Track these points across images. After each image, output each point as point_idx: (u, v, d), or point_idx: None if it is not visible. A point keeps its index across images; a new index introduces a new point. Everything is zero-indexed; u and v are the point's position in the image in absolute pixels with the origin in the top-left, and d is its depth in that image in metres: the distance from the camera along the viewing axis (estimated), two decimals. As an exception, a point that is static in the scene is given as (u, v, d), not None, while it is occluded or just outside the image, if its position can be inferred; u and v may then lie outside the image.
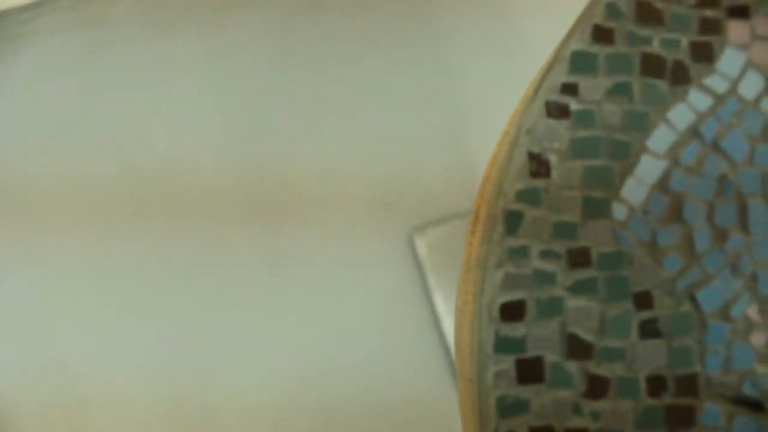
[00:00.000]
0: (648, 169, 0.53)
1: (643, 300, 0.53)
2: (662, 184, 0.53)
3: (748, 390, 0.54)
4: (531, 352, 0.52)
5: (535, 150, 0.53)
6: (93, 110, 0.57)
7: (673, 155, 0.54)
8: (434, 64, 0.55)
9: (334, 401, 0.53)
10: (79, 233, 0.56)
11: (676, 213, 0.53)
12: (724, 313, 0.54)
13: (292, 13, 0.58)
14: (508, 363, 0.52)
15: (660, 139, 0.54)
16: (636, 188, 0.53)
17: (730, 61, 0.55)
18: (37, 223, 0.56)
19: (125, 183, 0.56)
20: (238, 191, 0.55)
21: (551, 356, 0.52)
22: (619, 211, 0.53)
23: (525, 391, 0.52)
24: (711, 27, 0.55)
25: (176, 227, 0.56)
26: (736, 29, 0.55)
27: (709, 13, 0.55)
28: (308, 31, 0.57)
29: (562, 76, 0.53)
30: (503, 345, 0.52)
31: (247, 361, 0.54)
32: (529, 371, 0.52)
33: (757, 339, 0.54)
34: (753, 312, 0.54)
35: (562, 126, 0.53)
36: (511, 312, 0.52)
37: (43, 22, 0.58)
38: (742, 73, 0.55)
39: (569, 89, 0.53)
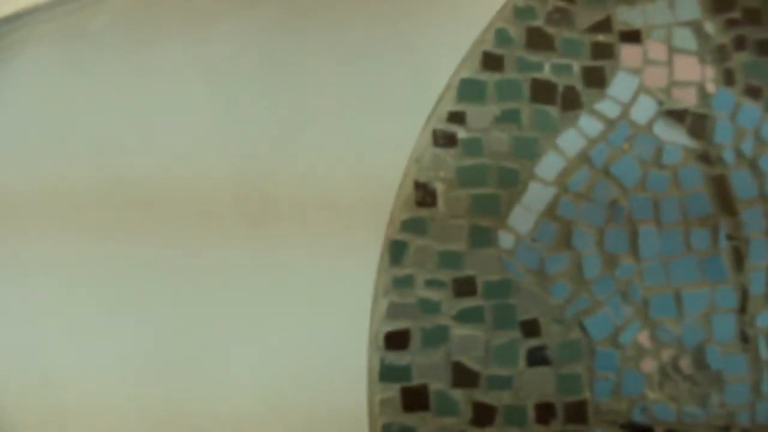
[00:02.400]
0: (536, 197, 0.53)
1: (531, 328, 0.53)
2: (551, 211, 0.54)
3: (638, 416, 0.54)
4: (416, 381, 0.53)
5: (422, 179, 0.53)
6: (74, 121, 0.59)
7: (561, 182, 0.54)
8: (410, 72, 0.56)
9: (318, 406, 0.55)
10: (60, 242, 0.58)
11: (565, 240, 0.54)
12: (614, 340, 0.54)
13: (273, 24, 0.59)
14: (393, 391, 0.53)
15: (549, 165, 0.54)
16: (524, 216, 0.53)
17: (622, 85, 0.55)
18: (18, 231, 0.58)
19: (108, 192, 0.57)
20: (224, 199, 0.57)
21: (437, 384, 0.53)
22: (505, 240, 0.53)
23: (411, 419, 0.53)
24: (603, 52, 0.55)
25: (161, 235, 0.57)
26: (628, 54, 0.55)
27: (601, 37, 0.55)
28: (290, 42, 0.58)
29: (449, 105, 0.54)
30: (389, 373, 0.53)
31: (231, 367, 0.55)
32: (415, 399, 0.53)
33: (648, 365, 0.54)
34: (644, 338, 0.54)
35: (449, 155, 0.54)
36: (396, 341, 0.53)
37: (22, 35, 0.60)
38: (635, 98, 0.55)
39: (457, 117, 0.54)
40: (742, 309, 0.55)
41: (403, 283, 0.53)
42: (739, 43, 0.56)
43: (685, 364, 0.54)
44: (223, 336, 0.54)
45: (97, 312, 0.56)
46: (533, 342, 0.53)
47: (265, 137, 0.57)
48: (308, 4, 0.60)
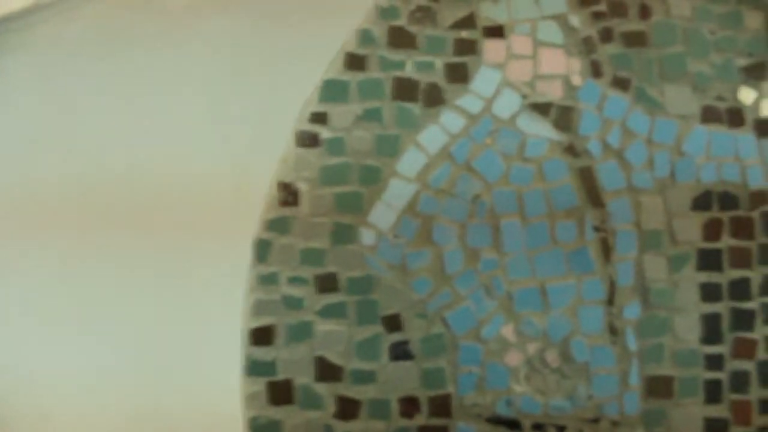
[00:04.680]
0: (397, 193, 0.55)
1: (393, 323, 0.54)
2: (412, 208, 0.55)
3: (503, 409, 0.54)
4: (281, 375, 0.54)
5: (285, 180, 0.55)
6: (50, 125, 0.61)
7: (423, 178, 0.55)
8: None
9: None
10: (38, 244, 0.60)
11: (427, 235, 0.55)
12: (477, 334, 0.54)
13: (241, 30, 0.61)
14: (260, 385, 0.54)
15: (410, 162, 0.55)
16: (385, 213, 0.55)
17: (485, 80, 0.56)
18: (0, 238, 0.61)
19: (86, 194, 0.60)
20: (210, 203, 0.58)
21: (301, 379, 0.54)
22: (367, 236, 0.55)
23: (277, 413, 0.54)
24: (466, 47, 0.56)
25: (139, 242, 0.60)
26: (492, 49, 0.56)
27: (464, 34, 0.56)
28: (261, 44, 0.60)
29: (312, 106, 0.55)
30: (255, 368, 0.55)
31: (206, 373, 0.57)
32: (280, 393, 0.54)
33: (513, 359, 0.54)
34: (508, 332, 0.54)
35: (312, 155, 0.55)
36: (262, 336, 0.55)
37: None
38: (497, 92, 0.56)
39: (319, 118, 0.55)
40: (610, 301, 0.55)
41: (267, 281, 0.55)
42: (606, 35, 0.57)
43: (552, 357, 0.55)
44: (201, 341, 0.56)
45: (78, 318, 0.58)
46: (396, 337, 0.54)
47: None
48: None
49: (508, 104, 0.56)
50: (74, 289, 0.57)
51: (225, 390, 0.56)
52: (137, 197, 0.58)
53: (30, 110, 0.61)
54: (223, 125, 0.57)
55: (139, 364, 0.56)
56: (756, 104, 0.57)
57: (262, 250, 0.55)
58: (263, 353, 0.55)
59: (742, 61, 0.57)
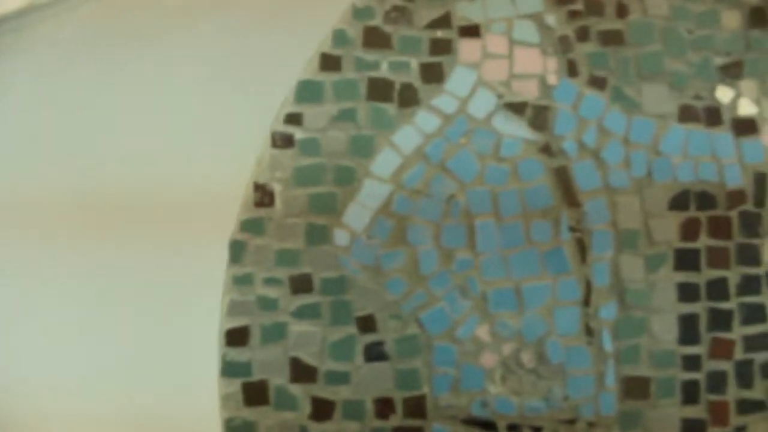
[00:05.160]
0: (372, 194, 0.55)
1: (367, 323, 0.54)
2: (386, 208, 0.55)
3: (477, 410, 0.54)
4: (257, 376, 0.54)
5: (261, 180, 0.55)
6: (44, 127, 0.62)
7: (397, 178, 0.55)
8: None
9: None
10: (33, 247, 0.61)
11: (401, 236, 0.55)
12: (452, 335, 0.54)
13: (227, 34, 0.62)
14: (235, 386, 0.54)
15: (384, 162, 0.55)
16: (359, 213, 0.55)
17: (460, 80, 0.56)
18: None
19: (81, 198, 0.60)
20: (200, 206, 0.59)
21: (276, 379, 0.54)
22: (341, 237, 0.55)
23: (252, 414, 0.54)
24: (442, 47, 0.56)
25: (135, 244, 0.60)
26: (467, 48, 0.56)
27: (440, 33, 0.56)
28: (243, 46, 0.60)
29: (287, 107, 0.55)
30: (230, 369, 0.55)
31: (185, 374, 0.58)
32: (255, 394, 0.55)
33: (488, 360, 0.54)
34: (483, 332, 0.54)
35: (286, 155, 0.55)
36: (237, 337, 0.55)
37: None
38: (473, 92, 0.55)
39: (294, 119, 0.55)
40: (586, 301, 0.55)
41: (242, 282, 0.55)
42: (583, 34, 0.56)
43: (527, 357, 0.55)
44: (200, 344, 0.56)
45: (74, 319, 0.59)
46: (370, 337, 0.54)
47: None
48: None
49: (483, 104, 0.56)
50: (48, 290, 0.57)
51: (204, 391, 0.56)
52: (122, 199, 0.59)
53: (26, 109, 0.61)
54: (204, 125, 0.57)
55: (119, 365, 0.57)
56: (733, 103, 0.57)
57: (237, 251, 0.55)
58: (238, 354, 0.55)
59: (720, 60, 0.57)
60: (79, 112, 0.61)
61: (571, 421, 0.55)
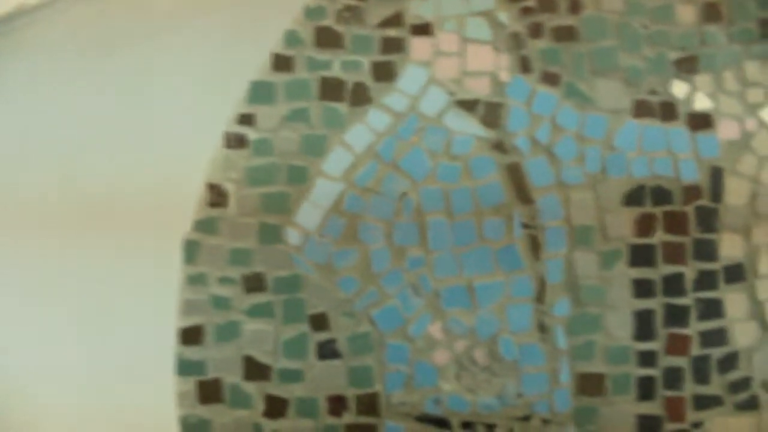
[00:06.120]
0: (323, 193, 0.55)
1: (320, 321, 0.55)
2: (338, 207, 0.55)
3: (431, 408, 0.54)
4: (211, 374, 0.55)
5: (214, 181, 0.55)
6: (32, 129, 0.63)
7: (349, 177, 0.55)
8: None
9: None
10: (24, 248, 0.62)
11: (353, 234, 0.55)
12: (404, 333, 0.54)
13: (225, 33, 0.63)
14: (190, 384, 0.55)
15: (336, 161, 0.55)
16: (311, 212, 0.55)
17: (411, 78, 0.56)
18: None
19: (71, 198, 0.61)
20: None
21: (230, 378, 0.55)
22: (293, 236, 0.55)
23: (207, 412, 0.55)
24: (393, 46, 0.56)
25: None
26: (419, 46, 0.56)
27: (392, 32, 0.56)
28: (237, 52, 0.61)
29: (240, 107, 0.56)
30: (185, 367, 0.55)
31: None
32: (210, 392, 0.55)
33: (440, 357, 0.54)
34: (436, 330, 0.54)
35: (239, 156, 0.56)
36: (191, 336, 0.55)
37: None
38: (424, 90, 0.56)
39: (246, 119, 0.56)
40: (539, 298, 0.55)
41: (196, 281, 0.55)
42: (536, 31, 0.56)
43: (480, 355, 0.55)
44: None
45: (62, 318, 0.59)
46: (323, 335, 0.55)
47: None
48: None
49: (434, 102, 0.56)
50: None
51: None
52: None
53: (15, 111, 0.62)
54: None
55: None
56: (688, 98, 0.57)
57: (191, 250, 0.56)
58: (193, 353, 0.55)
59: (675, 55, 0.57)
60: (70, 113, 0.61)
61: (526, 418, 0.55)
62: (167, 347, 0.56)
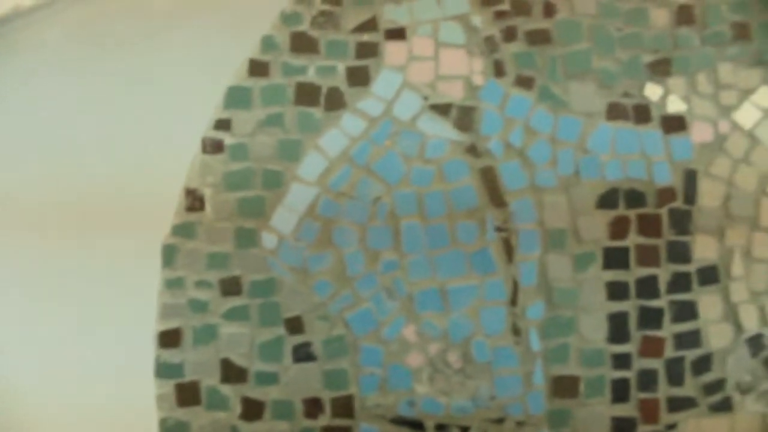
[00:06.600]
0: (298, 197, 0.56)
1: (295, 325, 0.55)
2: (312, 211, 0.55)
3: (405, 410, 0.55)
4: (189, 377, 0.56)
5: (191, 186, 0.56)
6: (29, 130, 0.64)
7: (323, 181, 0.55)
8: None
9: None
10: (20, 250, 0.63)
11: (327, 238, 0.55)
12: (378, 335, 0.55)
13: (221, 34, 0.63)
14: (168, 387, 0.56)
15: (311, 166, 0.56)
16: (286, 216, 0.56)
17: (385, 83, 0.56)
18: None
19: (69, 199, 0.62)
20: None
21: (208, 380, 0.56)
22: (269, 240, 0.56)
23: (185, 414, 0.56)
24: (368, 51, 0.57)
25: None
26: (393, 51, 0.57)
27: (366, 37, 0.57)
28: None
29: (217, 113, 0.56)
30: (163, 370, 0.56)
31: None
32: (188, 395, 0.56)
33: (414, 360, 0.55)
34: (410, 333, 0.55)
35: (216, 161, 0.56)
36: (169, 339, 0.56)
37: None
38: (398, 94, 0.56)
39: (223, 125, 0.57)
40: (513, 301, 0.55)
41: (174, 285, 0.56)
42: (510, 35, 0.57)
43: (454, 358, 0.55)
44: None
45: (63, 322, 0.60)
46: (298, 339, 0.55)
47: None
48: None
49: (408, 106, 0.56)
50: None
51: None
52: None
53: (12, 112, 0.62)
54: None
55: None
56: (662, 100, 0.57)
57: (169, 255, 0.56)
58: (171, 355, 0.56)
59: (648, 58, 0.57)
60: (66, 115, 0.62)
61: (500, 421, 0.55)
62: (147, 351, 0.57)
